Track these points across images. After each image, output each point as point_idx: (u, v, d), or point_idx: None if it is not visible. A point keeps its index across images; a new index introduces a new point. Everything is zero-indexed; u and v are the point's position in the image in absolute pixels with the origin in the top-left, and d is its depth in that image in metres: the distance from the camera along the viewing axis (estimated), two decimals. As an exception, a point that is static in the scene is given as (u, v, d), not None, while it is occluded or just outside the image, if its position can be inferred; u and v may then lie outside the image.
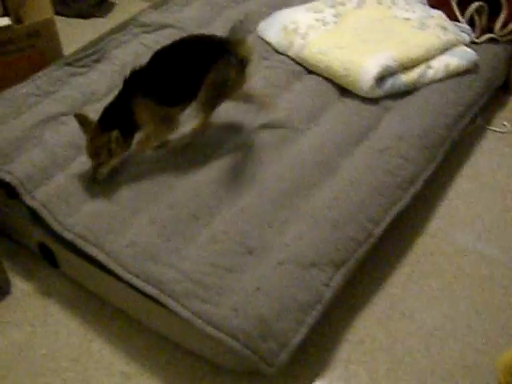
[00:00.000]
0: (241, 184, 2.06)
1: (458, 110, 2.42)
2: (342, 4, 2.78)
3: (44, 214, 1.98)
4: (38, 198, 2.02)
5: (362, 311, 2.06)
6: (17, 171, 2.09)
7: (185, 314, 1.72)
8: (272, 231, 1.91)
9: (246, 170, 2.11)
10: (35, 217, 2.02)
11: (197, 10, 2.94)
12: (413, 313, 2.06)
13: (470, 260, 2.23)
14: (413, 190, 2.14)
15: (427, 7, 2.85)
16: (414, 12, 2.72)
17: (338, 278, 1.84)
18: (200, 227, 1.93)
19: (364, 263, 2.04)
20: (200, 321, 1.70)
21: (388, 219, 2.03)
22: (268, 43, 2.71)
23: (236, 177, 2.09)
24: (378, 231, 1.99)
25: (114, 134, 1.94)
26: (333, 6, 2.75)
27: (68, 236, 1.93)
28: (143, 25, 2.86)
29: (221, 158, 2.14)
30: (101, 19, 3.82)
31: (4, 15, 2.76)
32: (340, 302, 2.02)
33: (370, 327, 2.01)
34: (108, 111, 2.03)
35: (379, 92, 2.39)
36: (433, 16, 2.71)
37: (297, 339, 1.72)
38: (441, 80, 2.50)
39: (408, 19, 2.67)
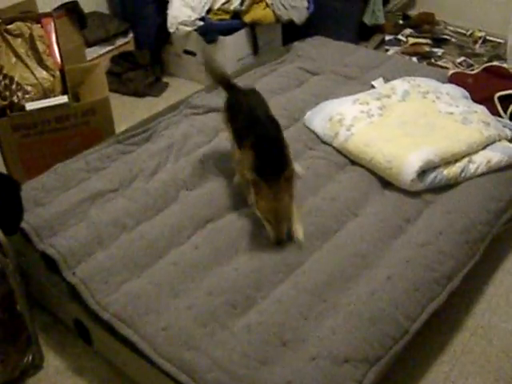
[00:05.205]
0: (278, 274, 2.06)
1: (499, 205, 2.41)
2: (388, 96, 2.82)
3: (82, 291, 2.01)
4: (78, 274, 2.06)
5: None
6: (59, 245, 2.13)
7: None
8: (307, 323, 1.90)
9: (285, 260, 2.11)
10: (73, 292, 2.05)
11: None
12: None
13: None
14: (451, 286, 2.11)
15: (470, 102, 2.88)
16: (457, 106, 2.74)
17: (371, 376, 1.81)
18: (236, 316, 1.93)
19: (399, 360, 1.99)
20: (228, 413, 1.69)
21: (425, 316, 1.99)
22: (313, 132, 2.76)
23: (275, 266, 2.08)
24: (415, 328, 1.95)
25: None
26: (378, 99, 2.79)
27: (104, 316, 1.95)
28: (194, 106, 2.95)
29: (261, 247, 2.15)
30: (154, 98, 3.95)
31: (64, 93, 2.88)
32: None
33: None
34: None
35: (421, 186, 2.40)
36: (476, 111, 2.73)
37: None
38: (482, 175, 2.50)
39: (451, 113, 2.70)
